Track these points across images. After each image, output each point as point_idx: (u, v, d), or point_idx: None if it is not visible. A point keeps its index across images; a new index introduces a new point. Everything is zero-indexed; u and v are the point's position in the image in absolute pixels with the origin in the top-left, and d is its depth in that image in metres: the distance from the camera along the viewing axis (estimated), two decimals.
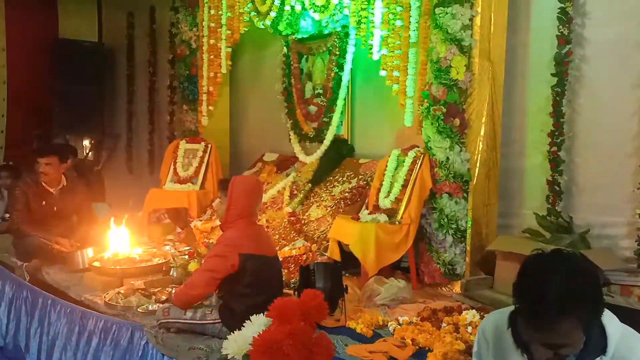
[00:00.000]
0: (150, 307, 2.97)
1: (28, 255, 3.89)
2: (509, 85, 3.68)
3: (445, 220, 3.52)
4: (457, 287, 3.52)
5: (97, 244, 3.90)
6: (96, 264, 3.52)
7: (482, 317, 2.75)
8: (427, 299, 3.36)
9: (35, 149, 5.64)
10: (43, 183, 4.21)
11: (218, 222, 4.54)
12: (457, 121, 3.51)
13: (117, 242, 3.78)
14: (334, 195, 4.30)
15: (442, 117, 3.50)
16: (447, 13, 3.45)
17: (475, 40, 3.49)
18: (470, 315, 2.79)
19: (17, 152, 6.40)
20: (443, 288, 3.59)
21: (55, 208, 4.22)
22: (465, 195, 3.54)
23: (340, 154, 4.66)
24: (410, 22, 3.70)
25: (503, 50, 3.61)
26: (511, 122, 3.71)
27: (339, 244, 3.64)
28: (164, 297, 3.14)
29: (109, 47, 7.07)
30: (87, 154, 6.83)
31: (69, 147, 5.60)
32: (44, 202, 4.18)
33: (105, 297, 3.11)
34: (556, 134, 3.44)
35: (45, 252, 3.86)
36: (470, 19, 3.47)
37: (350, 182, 4.33)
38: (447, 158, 3.51)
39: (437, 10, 3.50)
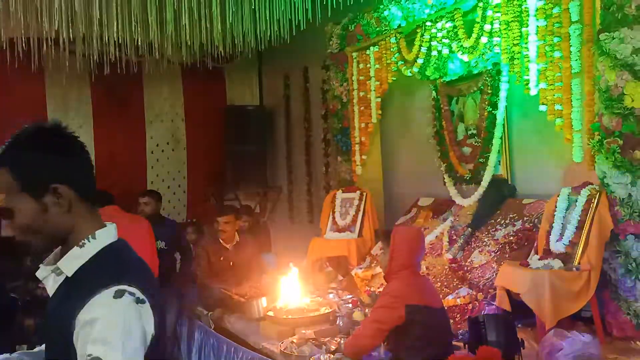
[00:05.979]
0: (322, 357, 3.07)
1: (212, 305, 4.32)
2: None
3: (634, 264, 3.12)
4: None
5: (268, 293, 4.19)
6: (270, 313, 3.77)
7: None
8: (619, 356, 2.98)
9: (216, 209, 6.27)
10: (221, 240, 4.68)
11: (378, 270, 4.61)
12: (637, 153, 3.14)
13: (288, 291, 4.01)
14: (497, 239, 4.08)
15: (619, 150, 3.18)
16: (614, 38, 3.17)
17: None
18: None
19: (197, 209, 7.22)
20: (638, 342, 3.15)
21: (231, 263, 4.65)
22: None
23: (501, 194, 4.43)
24: (570, 51, 3.48)
25: None
26: None
27: (508, 292, 3.43)
28: (333, 347, 3.23)
29: (269, 108, 7.74)
30: (255, 207, 7.44)
31: (245, 207, 6.17)
32: (221, 258, 4.63)
33: (280, 346, 3.30)
34: None
35: (226, 302, 4.25)
36: None
37: (514, 225, 4.08)
38: (629, 195, 3.15)
39: (601, 36, 3.23)
